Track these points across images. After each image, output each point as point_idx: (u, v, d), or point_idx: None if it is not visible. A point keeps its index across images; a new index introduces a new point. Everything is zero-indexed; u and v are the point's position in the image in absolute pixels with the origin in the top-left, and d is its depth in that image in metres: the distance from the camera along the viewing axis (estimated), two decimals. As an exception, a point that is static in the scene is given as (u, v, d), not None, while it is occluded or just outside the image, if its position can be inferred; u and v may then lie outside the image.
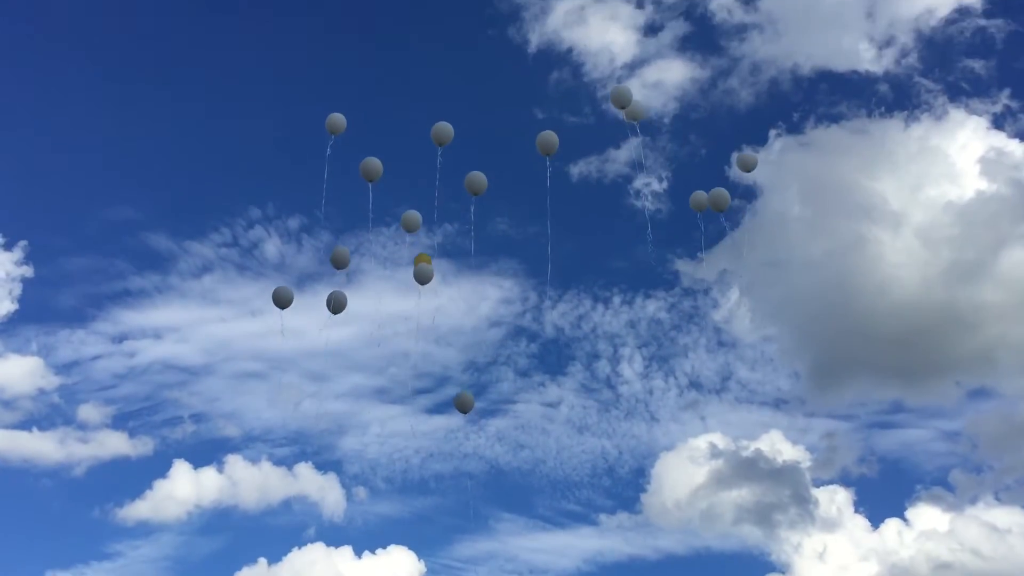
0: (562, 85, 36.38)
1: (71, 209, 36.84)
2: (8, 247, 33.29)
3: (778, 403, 33.62)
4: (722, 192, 17.44)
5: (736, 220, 35.26)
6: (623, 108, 16.63)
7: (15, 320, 33.15)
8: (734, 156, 17.93)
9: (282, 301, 17.15)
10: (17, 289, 32.92)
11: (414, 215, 17.36)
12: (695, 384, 33.83)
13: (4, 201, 35.30)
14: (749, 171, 17.93)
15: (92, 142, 37.57)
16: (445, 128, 16.76)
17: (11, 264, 33.07)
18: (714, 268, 34.47)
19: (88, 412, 32.42)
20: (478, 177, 17.09)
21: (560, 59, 36.05)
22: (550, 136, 17.02)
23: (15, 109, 36.65)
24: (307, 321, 34.78)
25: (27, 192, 36.66)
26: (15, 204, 36.04)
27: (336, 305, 17.00)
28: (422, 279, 17.39)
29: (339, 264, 17.25)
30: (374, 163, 16.75)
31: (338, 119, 16.62)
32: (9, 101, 36.82)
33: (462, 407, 17.42)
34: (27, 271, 33.25)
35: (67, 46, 37.35)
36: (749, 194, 35.25)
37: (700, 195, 17.56)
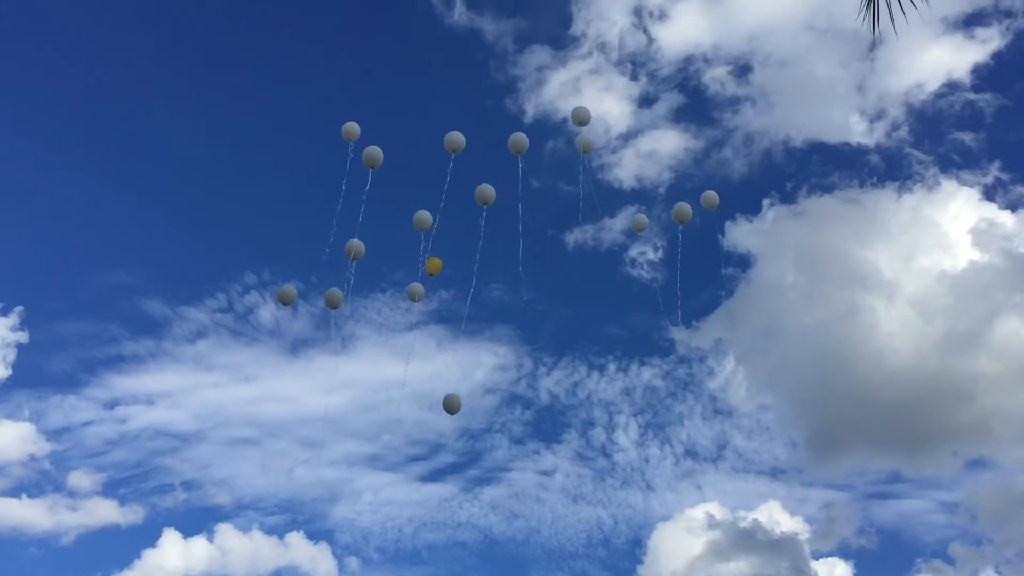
0: (557, 154, 36.81)
1: (67, 274, 36.82)
2: (4, 312, 33.24)
3: (775, 472, 33.33)
4: (711, 194, 18.48)
5: (731, 289, 35.46)
6: (581, 125, 17.60)
7: (8, 385, 32.91)
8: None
9: (334, 302, 17.10)
10: (11, 355, 32.80)
11: (425, 215, 17.51)
12: (691, 453, 33.57)
13: (1, 266, 35.32)
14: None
15: (89, 207, 37.73)
16: (457, 138, 17.25)
17: (6, 329, 32.99)
18: (709, 336, 34.64)
19: (78, 479, 31.99)
20: (488, 190, 17.52)
21: (555, 129, 36.54)
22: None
23: (12, 174, 36.94)
24: (301, 387, 34.89)
25: (25, 257, 36.73)
26: (12, 269, 36.07)
27: (334, 300, 17.17)
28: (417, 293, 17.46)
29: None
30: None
31: (352, 127, 17.22)
32: (5, 167, 37.13)
33: (450, 408, 17.33)
34: (22, 336, 33.15)
35: (62, 113, 37.79)
36: (744, 263, 35.60)
37: (682, 207, 18.61)
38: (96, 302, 35.29)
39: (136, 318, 34.36)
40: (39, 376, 33.79)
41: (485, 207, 17.58)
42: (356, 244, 17.23)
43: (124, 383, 33.45)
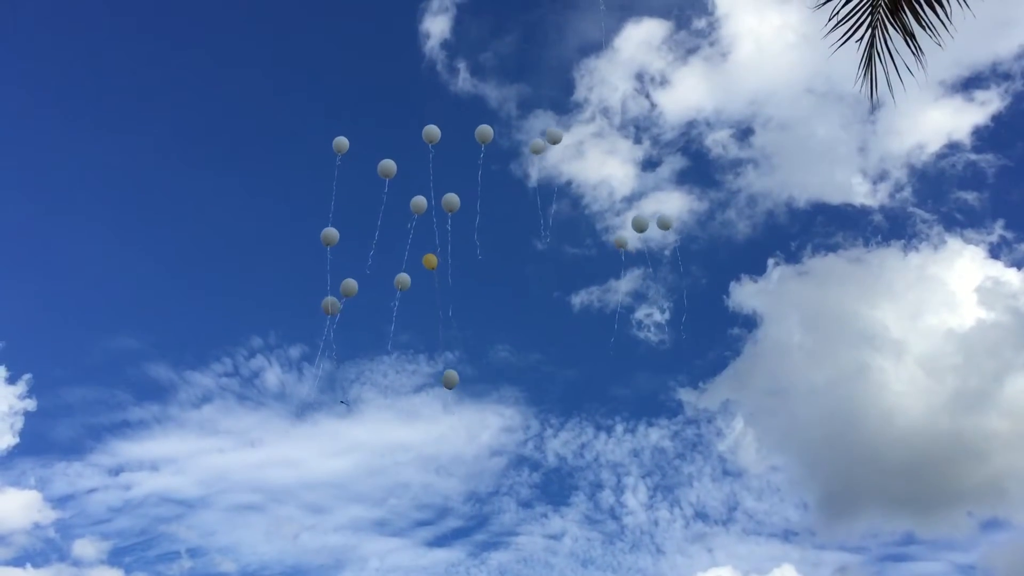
0: (561, 217, 37.10)
1: (73, 339, 36.93)
2: (12, 380, 33.29)
3: (787, 535, 32.83)
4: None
5: (737, 349, 35.48)
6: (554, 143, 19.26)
7: (15, 453, 32.76)
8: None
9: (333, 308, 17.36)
10: (19, 423, 32.77)
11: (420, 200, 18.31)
12: (701, 515, 33.14)
13: (9, 334, 35.43)
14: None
15: (94, 271, 37.99)
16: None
17: (14, 398, 33.01)
18: (717, 397, 34.47)
19: (83, 547, 31.63)
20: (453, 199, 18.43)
21: (560, 192, 36.88)
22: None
23: (15, 238, 37.31)
24: (307, 451, 34.72)
25: (32, 323, 36.87)
26: (21, 337, 36.14)
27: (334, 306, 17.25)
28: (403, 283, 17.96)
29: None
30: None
31: (342, 142, 18.12)
32: (9, 231, 37.53)
33: (448, 384, 17.72)
34: (30, 404, 33.15)
35: (65, 177, 38.30)
36: (750, 323, 35.61)
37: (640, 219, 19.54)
38: (102, 367, 35.30)
39: (142, 383, 34.33)
40: (45, 443, 33.65)
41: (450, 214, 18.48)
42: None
43: (129, 449, 33.28)
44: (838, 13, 7.94)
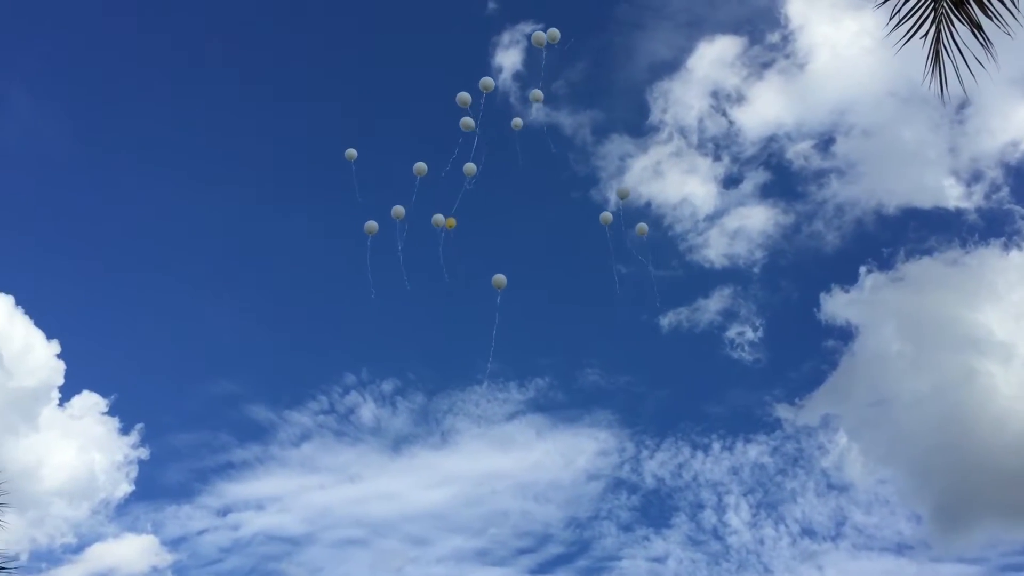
0: (643, 239, 36.98)
1: (178, 387, 38.42)
2: (125, 431, 34.81)
3: (901, 549, 31.70)
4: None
5: (833, 362, 34.63)
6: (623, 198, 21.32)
7: (131, 500, 34.25)
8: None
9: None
10: (133, 471, 34.24)
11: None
12: (808, 531, 32.28)
13: (120, 386, 37.00)
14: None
15: (193, 322, 39.51)
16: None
17: (128, 447, 34.50)
18: (816, 412, 33.65)
19: (198, 588, 32.72)
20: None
21: (640, 214, 36.80)
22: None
23: (120, 299, 39.03)
24: (405, 484, 35.14)
25: (141, 375, 38.51)
26: (130, 388, 37.75)
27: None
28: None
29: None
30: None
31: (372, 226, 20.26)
32: (114, 292, 39.28)
33: (497, 285, 19.63)
34: (143, 453, 34.61)
35: (160, 233, 39.93)
36: (845, 335, 34.74)
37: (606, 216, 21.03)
38: (205, 412, 36.63)
39: (243, 425, 35.48)
40: (157, 488, 35.05)
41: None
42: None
43: (235, 490, 34.31)
44: (899, 11, 7.82)
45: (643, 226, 21.02)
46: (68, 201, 39.52)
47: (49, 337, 34.87)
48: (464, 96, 19.91)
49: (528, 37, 37.25)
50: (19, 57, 39.56)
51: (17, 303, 34.98)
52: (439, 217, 19.92)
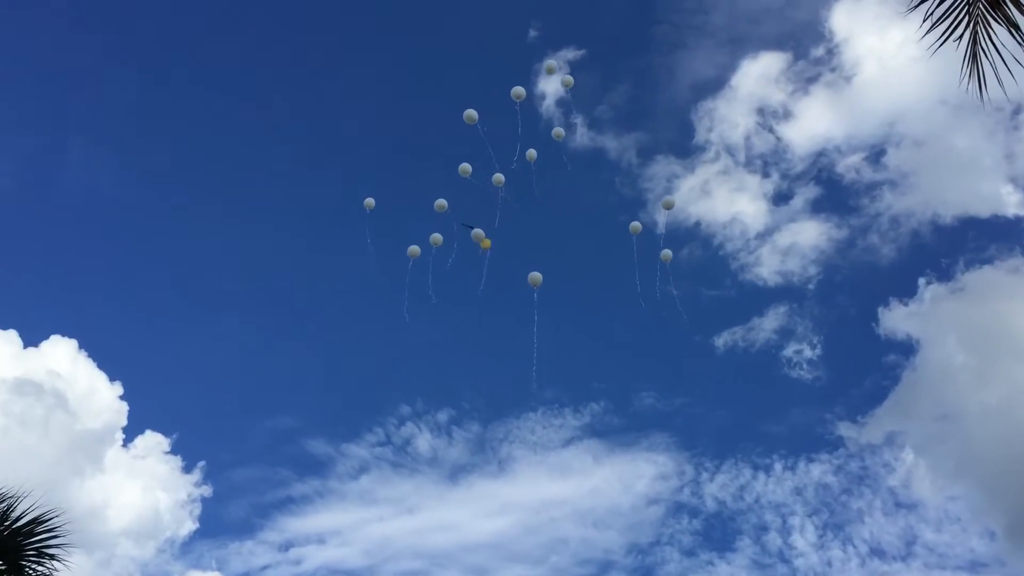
0: (694, 260, 36.71)
1: (237, 424, 39.01)
2: (188, 469, 35.37)
3: (974, 567, 30.77)
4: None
5: (895, 377, 33.87)
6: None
7: (195, 537, 34.77)
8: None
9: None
10: (197, 509, 34.76)
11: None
12: (877, 552, 31.48)
13: (182, 425, 37.67)
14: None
15: (250, 359, 40.18)
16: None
17: (191, 486, 35.04)
18: (880, 429, 32.88)
19: (265, 624, 32.96)
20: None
21: (688, 234, 36.58)
22: None
23: (177, 342, 39.80)
24: (463, 514, 35.08)
25: (200, 413, 39.18)
26: (192, 426, 38.45)
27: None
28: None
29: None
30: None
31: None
32: (172, 336, 40.08)
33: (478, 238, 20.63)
34: (206, 491, 35.12)
35: (207, 283, 40.70)
36: (906, 349, 33.99)
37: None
38: (264, 447, 37.11)
39: (301, 459, 35.85)
40: (220, 525, 35.52)
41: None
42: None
43: (295, 524, 34.60)
44: (932, 13, 7.69)
45: (667, 252, 21.58)
46: (125, 246, 40.70)
47: (112, 379, 35.73)
48: (465, 167, 21.15)
49: (569, 63, 37.43)
50: (75, 108, 40.96)
51: (80, 347, 35.94)
52: (479, 231, 20.75)
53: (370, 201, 21.53)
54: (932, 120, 36.41)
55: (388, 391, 38.62)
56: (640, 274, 20.93)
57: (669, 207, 22.00)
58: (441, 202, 20.92)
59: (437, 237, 21.04)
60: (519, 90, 21.12)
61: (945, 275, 34.19)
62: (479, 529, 33.98)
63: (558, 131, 21.75)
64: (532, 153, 21.53)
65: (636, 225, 21.40)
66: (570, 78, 21.98)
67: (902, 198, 35.50)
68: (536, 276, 20.55)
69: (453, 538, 34.43)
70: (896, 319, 33.87)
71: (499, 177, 20.85)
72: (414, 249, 21.24)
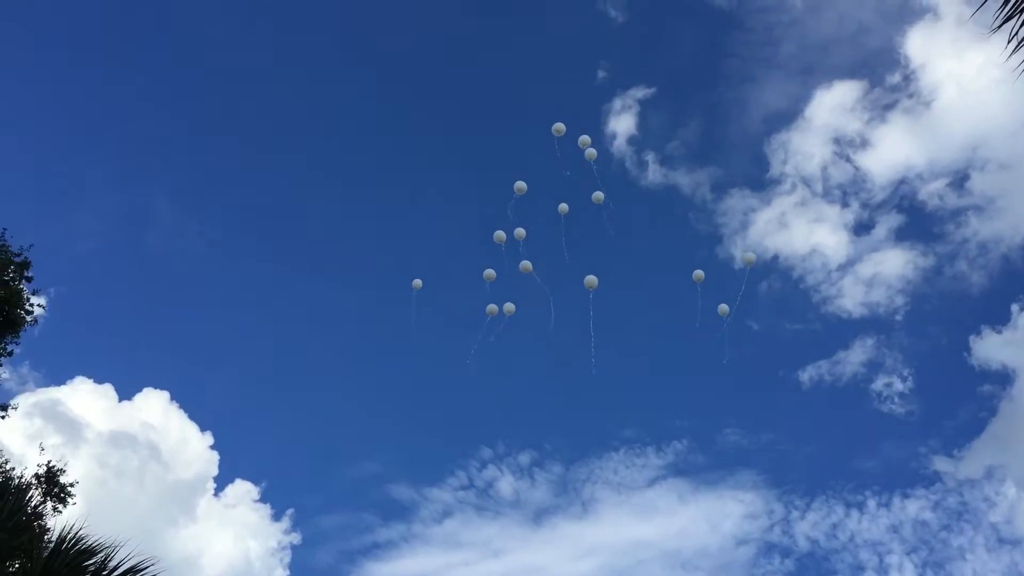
0: (774, 294, 36.18)
1: (323, 471, 39.56)
2: (277, 517, 35.91)
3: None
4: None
5: (992, 409, 32.66)
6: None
7: (286, 585, 35.13)
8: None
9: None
10: (287, 556, 35.22)
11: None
12: (982, 591, 30.12)
13: (269, 474, 38.38)
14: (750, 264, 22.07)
15: (334, 407, 40.82)
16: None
17: (280, 534, 35.56)
18: (978, 462, 31.67)
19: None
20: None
21: (767, 268, 36.10)
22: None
23: (261, 393, 40.64)
24: (548, 557, 34.75)
25: (287, 462, 39.88)
26: (279, 475, 39.14)
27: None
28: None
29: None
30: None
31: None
32: (261, 382, 40.95)
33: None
34: (295, 538, 35.61)
35: (289, 335, 41.50)
36: (1002, 379, 32.78)
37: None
38: (350, 493, 37.52)
39: (386, 504, 36.12)
40: (310, 572, 35.97)
41: None
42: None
43: (382, 570, 34.78)
44: (1017, 33, 7.51)
45: (724, 307, 21.62)
46: (211, 300, 41.90)
47: (203, 429, 36.61)
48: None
49: (639, 102, 37.53)
50: (162, 169, 42.62)
51: (172, 398, 36.97)
52: (527, 263, 21.50)
53: (418, 282, 22.57)
54: (1017, 143, 35.53)
55: (469, 435, 38.79)
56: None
57: (750, 263, 21.90)
58: (500, 234, 21.52)
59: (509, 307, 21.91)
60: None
61: (1041, 299, 33.04)
62: (566, 571, 33.69)
63: (591, 152, 22.27)
64: (599, 195, 21.70)
65: (699, 274, 21.58)
66: (593, 151, 22.52)
67: (989, 223, 34.56)
68: (592, 279, 20.99)
69: (539, 582, 34.18)
70: (990, 348, 32.79)
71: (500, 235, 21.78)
72: (500, 235, 21.78)
